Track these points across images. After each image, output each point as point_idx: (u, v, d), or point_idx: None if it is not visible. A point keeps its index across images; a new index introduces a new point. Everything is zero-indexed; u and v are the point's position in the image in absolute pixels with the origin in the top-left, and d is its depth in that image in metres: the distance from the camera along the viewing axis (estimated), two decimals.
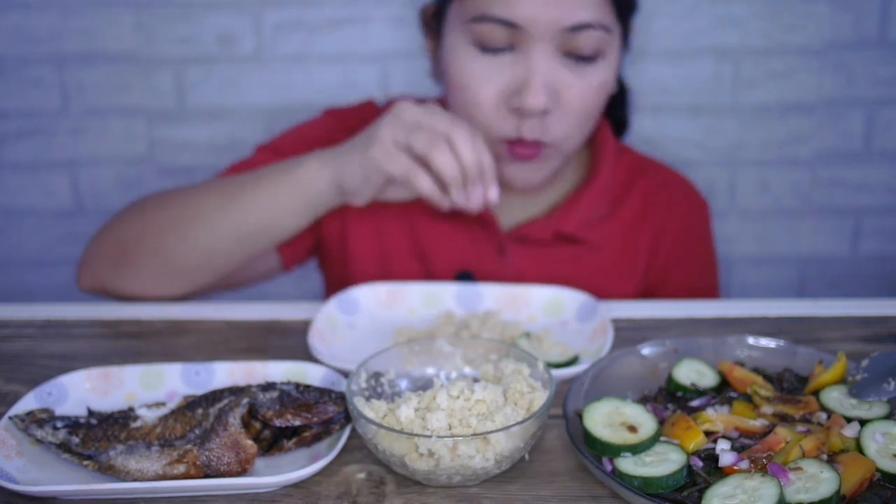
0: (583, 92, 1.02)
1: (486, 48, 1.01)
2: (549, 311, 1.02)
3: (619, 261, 1.18)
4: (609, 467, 0.72)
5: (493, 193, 0.97)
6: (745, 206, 1.82)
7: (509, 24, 0.98)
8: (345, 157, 0.98)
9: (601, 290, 1.13)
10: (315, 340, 0.94)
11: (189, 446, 0.75)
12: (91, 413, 0.82)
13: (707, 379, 0.83)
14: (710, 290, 1.25)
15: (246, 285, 1.20)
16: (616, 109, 1.24)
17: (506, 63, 1.01)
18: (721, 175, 1.80)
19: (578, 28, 0.98)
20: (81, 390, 0.85)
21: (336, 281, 1.21)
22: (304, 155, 1.02)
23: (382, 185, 0.99)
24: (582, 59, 1.00)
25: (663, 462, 0.70)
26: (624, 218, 1.19)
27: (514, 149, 1.04)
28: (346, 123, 1.18)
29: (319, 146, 1.09)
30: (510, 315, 1.02)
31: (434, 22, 1.10)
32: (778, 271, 1.87)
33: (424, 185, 0.92)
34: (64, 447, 0.77)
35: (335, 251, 1.20)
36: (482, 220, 1.14)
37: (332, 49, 1.73)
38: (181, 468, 0.74)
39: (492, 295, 1.04)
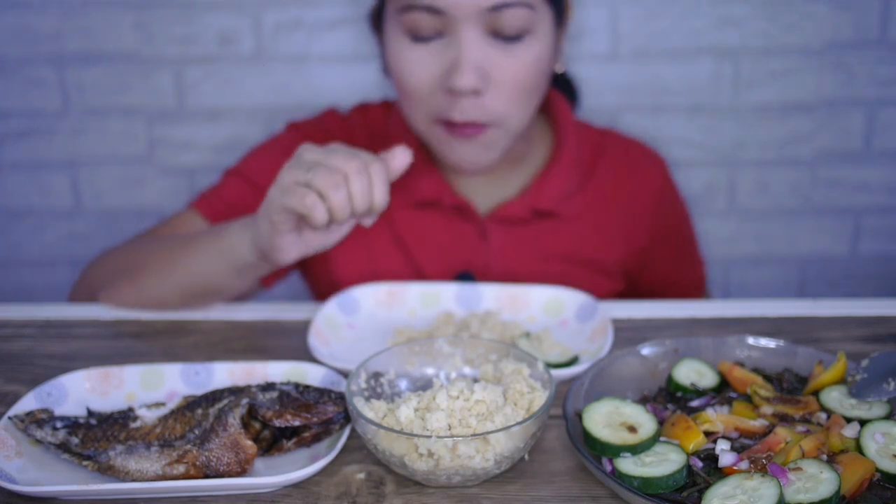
0: (514, 70, 1.04)
1: (418, 37, 1.04)
2: (549, 312, 1.02)
3: (599, 229, 1.21)
4: (609, 467, 0.72)
5: (369, 223, 0.96)
6: (744, 206, 1.82)
7: (434, 11, 1.01)
8: (257, 216, 0.97)
9: (586, 260, 1.18)
10: (315, 341, 0.94)
11: (189, 446, 0.75)
12: (91, 413, 0.82)
13: (707, 379, 0.83)
14: (692, 242, 1.32)
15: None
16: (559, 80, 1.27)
17: (437, 49, 1.04)
18: (721, 175, 1.80)
19: (500, 7, 1.00)
20: (81, 390, 0.85)
21: (322, 284, 1.22)
22: (230, 222, 1.02)
23: (293, 231, 0.95)
24: (509, 38, 1.03)
25: (663, 462, 0.71)
26: (596, 187, 1.22)
27: (451, 129, 1.07)
28: (308, 135, 1.20)
29: (285, 160, 1.12)
30: (510, 315, 1.02)
31: (377, 19, 1.13)
32: (778, 271, 1.87)
33: (318, 217, 0.90)
34: (64, 447, 0.77)
35: (315, 263, 1.21)
36: (459, 209, 1.17)
37: (332, 49, 1.73)
38: (181, 468, 0.74)
39: (491, 295, 1.04)
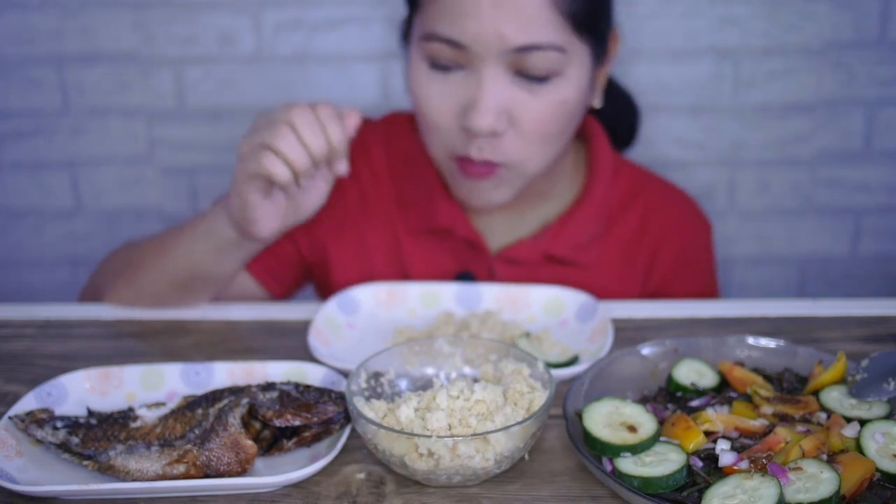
0: (538, 112, 0.98)
1: (437, 66, 0.99)
2: (549, 312, 1.02)
3: (614, 282, 1.14)
4: (609, 467, 0.72)
5: (342, 168, 0.95)
6: (744, 206, 1.82)
7: (456, 45, 0.96)
8: (230, 193, 0.97)
9: None
10: (315, 340, 0.94)
11: (189, 446, 0.75)
12: (91, 413, 0.82)
13: (707, 379, 0.83)
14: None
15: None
16: (618, 121, 1.21)
17: (457, 81, 0.99)
18: (721, 175, 1.80)
19: (526, 49, 0.95)
20: (81, 390, 0.85)
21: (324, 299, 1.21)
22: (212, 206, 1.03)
23: (264, 200, 0.94)
24: (536, 78, 0.97)
25: (663, 462, 0.71)
26: (620, 236, 1.15)
27: (464, 167, 1.02)
28: None
29: None
30: (510, 315, 1.02)
31: (407, 31, 1.08)
32: (778, 271, 1.87)
33: (278, 172, 0.88)
34: (64, 447, 0.77)
35: (320, 280, 1.20)
36: (470, 242, 1.13)
37: (332, 49, 1.73)
38: (181, 468, 0.74)
39: (492, 295, 1.04)
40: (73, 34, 1.71)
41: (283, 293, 1.19)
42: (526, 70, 0.96)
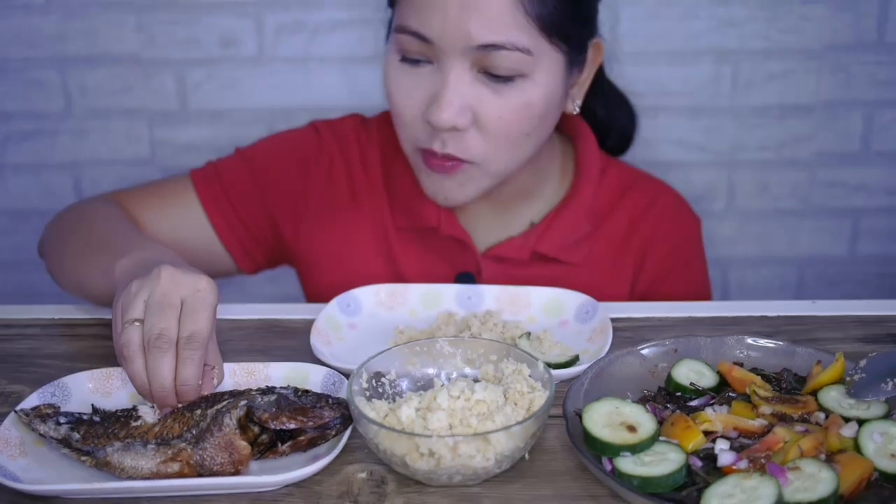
0: (502, 112, 0.98)
1: (407, 59, 1.00)
2: (549, 312, 1.02)
3: (603, 280, 1.14)
4: (608, 467, 0.72)
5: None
6: (743, 207, 1.82)
7: (423, 39, 0.97)
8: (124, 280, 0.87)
9: None
10: (316, 341, 0.94)
11: (183, 445, 0.75)
12: (95, 410, 0.82)
13: (706, 379, 0.84)
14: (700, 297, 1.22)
15: None
16: (614, 124, 1.21)
17: (424, 75, 1.00)
18: (720, 176, 1.80)
19: (489, 47, 0.95)
20: (85, 391, 0.86)
21: (309, 298, 1.22)
22: (136, 246, 0.95)
23: None
24: (500, 77, 0.97)
25: (662, 461, 0.71)
26: (609, 235, 1.16)
27: (428, 160, 1.02)
28: (325, 138, 1.19)
29: (294, 156, 1.17)
30: (510, 315, 1.03)
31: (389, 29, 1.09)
32: (777, 272, 1.87)
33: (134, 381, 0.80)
34: (65, 442, 0.77)
35: (306, 276, 1.21)
36: (458, 241, 1.13)
37: (334, 51, 1.73)
38: (175, 466, 0.74)
39: (492, 295, 1.05)
40: (75, 36, 1.72)
41: (252, 269, 1.22)
42: (490, 68, 0.97)
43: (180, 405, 0.80)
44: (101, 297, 0.94)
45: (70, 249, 1.05)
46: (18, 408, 0.80)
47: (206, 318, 0.80)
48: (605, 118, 1.20)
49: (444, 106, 0.97)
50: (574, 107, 1.08)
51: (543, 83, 0.99)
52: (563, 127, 1.17)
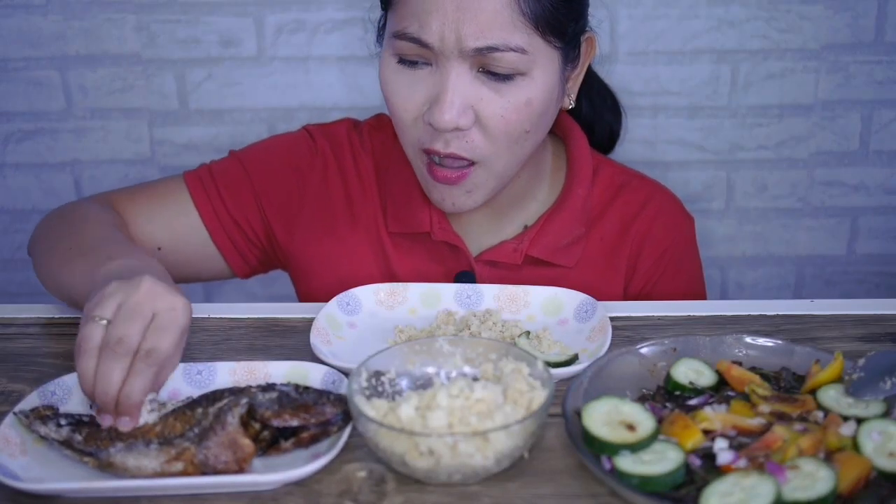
0: (503, 110, 0.98)
1: (405, 61, 1.00)
2: (549, 311, 1.03)
3: (597, 282, 1.14)
4: (608, 465, 0.73)
5: (122, 423, 0.79)
6: (742, 206, 1.83)
7: (422, 44, 0.97)
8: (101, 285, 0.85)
9: None
10: (316, 340, 0.94)
11: (186, 444, 0.75)
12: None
13: (705, 378, 0.84)
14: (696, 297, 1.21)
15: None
16: (599, 121, 1.21)
17: (423, 76, 0.99)
18: (719, 176, 1.81)
19: (486, 50, 0.96)
20: None
21: (301, 299, 1.22)
22: (103, 267, 0.92)
23: None
24: (500, 76, 0.98)
25: (661, 460, 0.71)
26: (602, 237, 1.16)
27: (434, 172, 1.03)
28: (318, 142, 1.19)
29: (288, 160, 1.17)
30: (510, 314, 1.03)
31: (381, 31, 1.09)
32: (775, 271, 1.87)
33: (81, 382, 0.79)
34: (67, 444, 0.77)
35: (300, 280, 1.21)
36: (450, 245, 1.13)
37: (334, 51, 1.73)
38: (178, 466, 0.75)
39: (491, 294, 1.05)
40: (75, 36, 1.72)
41: (245, 273, 1.22)
42: (489, 68, 0.97)
43: (181, 404, 0.80)
44: (81, 302, 0.92)
45: (56, 251, 1.04)
46: (17, 409, 0.81)
47: (171, 338, 0.79)
48: (591, 115, 1.21)
49: (446, 107, 0.97)
50: (570, 101, 1.09)
51: (542, 80, 1.00)
52: (554, 127, 1.17)
